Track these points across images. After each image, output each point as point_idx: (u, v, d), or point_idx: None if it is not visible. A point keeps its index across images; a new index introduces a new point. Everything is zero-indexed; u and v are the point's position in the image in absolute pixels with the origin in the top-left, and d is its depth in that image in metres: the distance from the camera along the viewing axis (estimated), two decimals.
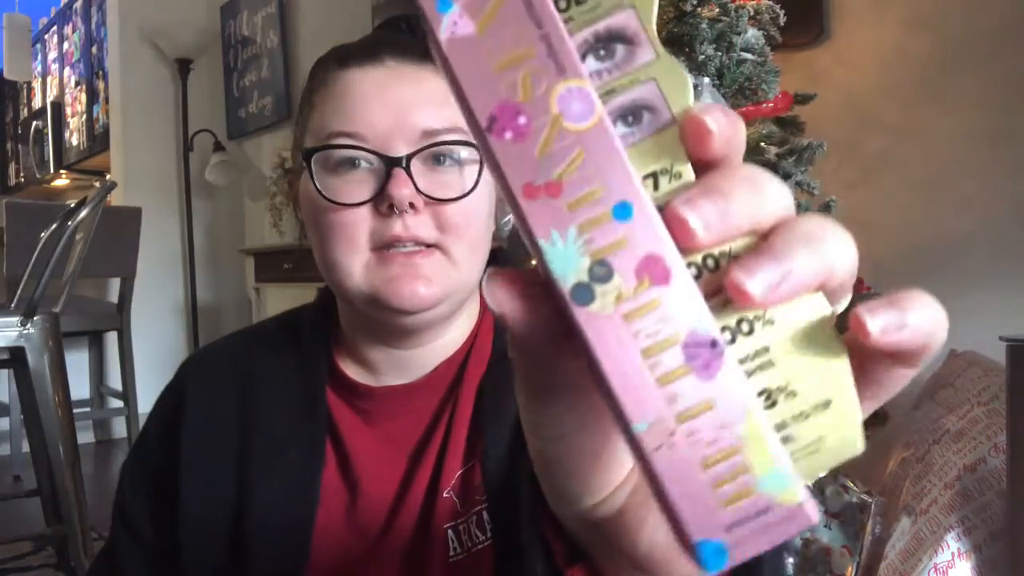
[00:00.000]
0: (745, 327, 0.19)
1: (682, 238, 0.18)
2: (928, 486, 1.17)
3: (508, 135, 0.18)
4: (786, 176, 1.42)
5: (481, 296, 0.67)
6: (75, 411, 1.88)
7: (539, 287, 0.19)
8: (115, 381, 3.49)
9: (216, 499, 0.61)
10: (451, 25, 0.18)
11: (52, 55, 5.21)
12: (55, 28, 5.12)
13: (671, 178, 0.19)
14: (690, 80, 0.20)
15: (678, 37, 1.41)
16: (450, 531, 0.59)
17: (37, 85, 5.52)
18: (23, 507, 2.34)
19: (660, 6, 1.45)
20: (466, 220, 0.56)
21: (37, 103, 5.55)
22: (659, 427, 0.18)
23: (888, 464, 1.37)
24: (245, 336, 0.71)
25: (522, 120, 0.18)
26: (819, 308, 0.20)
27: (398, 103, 0.55)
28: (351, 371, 0.63)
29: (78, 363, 3.50)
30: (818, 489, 1.33)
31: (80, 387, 3.50)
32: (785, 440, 0.19)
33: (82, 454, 1.85)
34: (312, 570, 0.58)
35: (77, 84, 4.75)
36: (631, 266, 0.18)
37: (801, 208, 1.42)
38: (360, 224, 0.55)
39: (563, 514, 0.26)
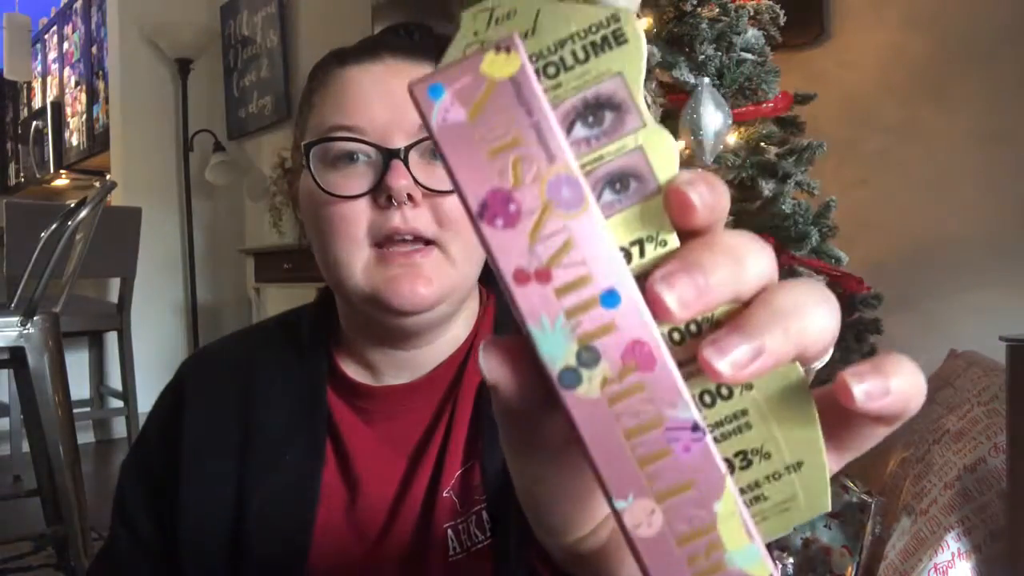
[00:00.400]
0: (725, 391, 0.20)
1: (661, 315, 0.18)
2: (928, 486, 1.17)
3: (499, 222, 0.18)
4: (786, 176, 1.42)
5: (480, 295, 0.67)
6: (75, 411, 1.88)
7: (533, 358, 0.19)
8: (115, 381, 3.49)
9: (216, 498, 0.61)
10: (443, 112, 0.18)
11: (52, 55, 5.21)
12: (55, 28, 5.12)
13: (656, 245, 0.20)
14: (676, 146, 0.20)
15: (678, 37, 1.41)
16: (450, 531, 0.59)
17: (37, 85, 5.52)
18: (23, 507, 2.34)
19: (660, 6, 1.45)
20: (463, 215, 0.56)
21: (37, 103, 5.55)
22: (640, 504, 0.18)
23: (888, 464, 1.37)
24: (245, 336, 0.71)
25: (512, 207, 0.18)
26: (795, 375, 0.20)
27: (396, 97, 0.56)
28: (351, 371, 0.63)
29: (78, 363, 3.50)
30: None
31: (80, 387, 3.50)
32: (759, 499, 0.20)
33: (82, 454, 1.85)
34: (312, 569, 0.58)
35: (77, 84, 4.75)
36: (617, 351, 0.18)
37: (801, 208, 1.42)
38: (359, 217, 0.55)
39: (548, 544, 0.27)
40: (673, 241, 0.20)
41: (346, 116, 0.56)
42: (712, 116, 1.30)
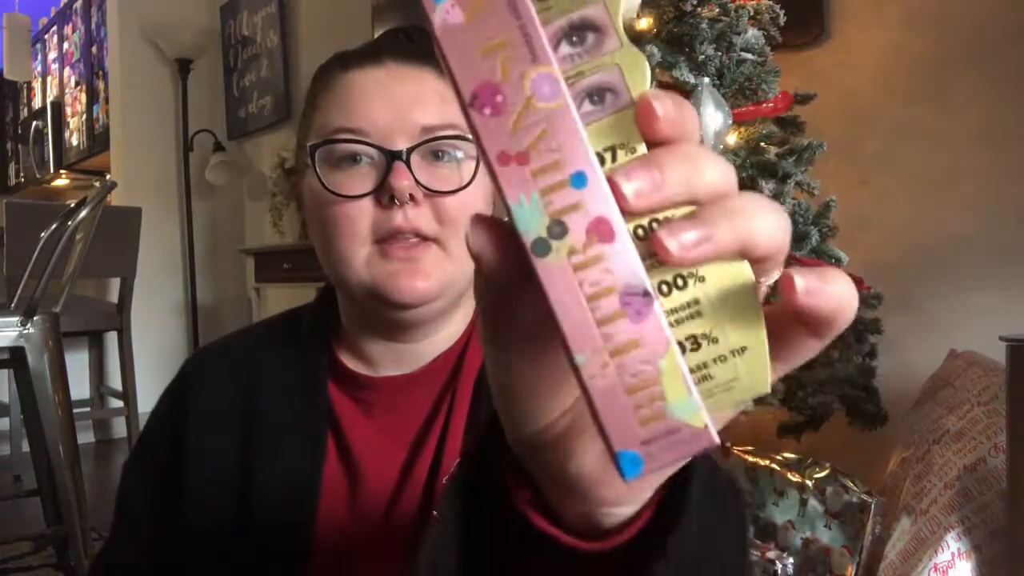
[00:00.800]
0: (680, 282, 0.23)
1: (619, 202, 0.21)
2: (928, 486, 1.17)
3: (487, 111, 0.21)
4: (786, 176, 1.42)
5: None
6: (75, 411, 1.88)
7: (512, 236, 0.22)
8: (115, 381, 3.49)
9: (220, 491, 0.62)
10: (444, 14, 0.21)
11: (52, 55, 5.21)
12: (55, 28, 5.12)
13: (627, 152, 0.23)
14: (648, 66, 0.23)
15: (678, 37, 1.41)
16: None
17: (37, 85, 5.52)
18: (23, 507, 2.34)
19: (660, 6, 1.45)
20: (463, 214, 0.58)
21: (37, 103, 5.54)
22: (595, 359, 0.21)
23: (888, 464, 1.37)
24: (247, 332, 0.72)
25: (499, 98, 0.21)
26: (744, 274, 0.23)
27: (398, 101, 0.58)
28: (351, 363, 0.65)
29: (78, 363, 3.50)
30: (818, 489, 1.33)
31: (80, 387, 3.50)
32: (705, 378, 0.23)
33: (82, 454, 1.85)
34: (314, 559, 0.59)
35: (77, 84, 4.75)
36: (582, 226, 0.21)
37: (800, 208, 1.42)
38: (363, 215, 0.57)
39: (514, 440, 0.30)
40: (642, 149, 0.22)
41: (350, 119, 0.58)
42: (712, 116, 1.30)
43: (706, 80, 1.33)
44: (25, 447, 2.42)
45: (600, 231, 0.21)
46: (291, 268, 2.98)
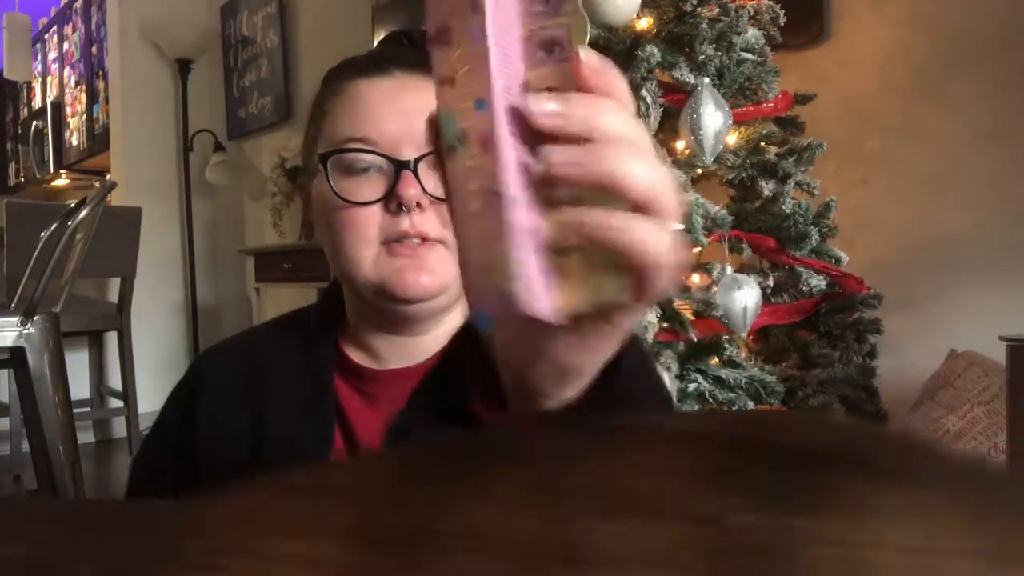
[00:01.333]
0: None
1: (529, 120, 0.27)
2: None
3: (440, 46, 0.28)
4: (786, 176, 1.42)
5: None
6: (75, 411, 1.88)
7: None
8: (115, 381, 3.48)
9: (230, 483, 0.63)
10: None
11: (52, 55, 5.21)
12: (55, 28, 5.12)
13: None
14: (589, 28, 0.28)
15: (678, 37, 1.41)
16: None
17: (37, 85, 5.52)
18: None
19: (660, 6, 1.45)
20: None
21: (37, 103, 5.54)
22: (466, 241, 0.29)
23: None
24: (255, 330, 0.76)
25: (448, 36, 0.28)
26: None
27: (406, 110, 0.60)
28: (356, 357, 0.67)
29: (78, 363, 3.49)
30: None
31: (80, 387, 3.50)
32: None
33: (82, 454, 1.84)
34: None
35: (77, 84, 4.75)
36: (475, 139, 0.28)
37: (801, 208, 1.42)
38: (371, 220, 0.60)
39: (508, 373, 0.36)
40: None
41: (359, 128, 0.60)
42: (712, 116, 1.30)
43: (706, 80, 1.33)
44: (25, 447, 2.42)
45: (485, 144, 0.27)
46: (291, 268, 2.98)
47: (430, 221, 0.60)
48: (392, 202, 0.59)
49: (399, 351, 0.66)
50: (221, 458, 0.65)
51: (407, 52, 0.65)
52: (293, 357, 0.68)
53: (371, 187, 0.60)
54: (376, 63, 0.63)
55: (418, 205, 0.59)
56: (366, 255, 0.60)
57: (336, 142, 0.61)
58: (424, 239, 0.60)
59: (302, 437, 0.64)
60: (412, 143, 0.59)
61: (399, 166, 0.59)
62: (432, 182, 0.60)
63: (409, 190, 0.58)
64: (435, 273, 0.60)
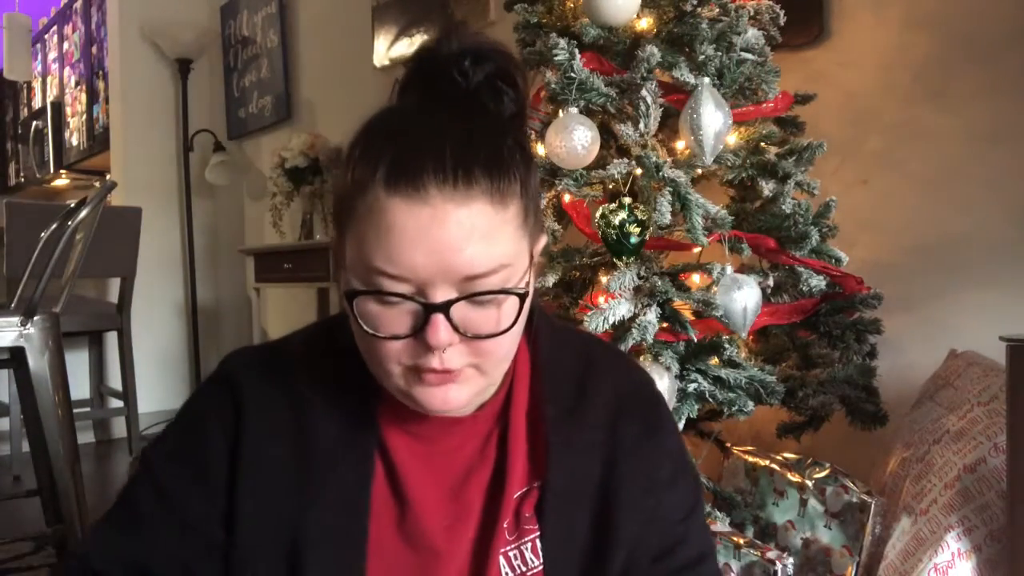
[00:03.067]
0: None
1: None
2: (928, 486, 1.17)
3: None
4: (786, 176, 1.42)
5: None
6: (75, 411, 1.88)
7: None
8: (115, 381, 3.48)
9: (273, 512, 0.63)
10: None
11: (52, 55, 5.21)
12: (55, 28, 5.11)
13: None
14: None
15: (678, 37, 1.41)
16: (502, 557, 0.63)
17: (37, 85, 5.52)
18: (23, 507, 2.34)
19: (660, 6, 1.45)
20: (500, 347, 0.59)
21: (37, 103, 5.54)
22: None
23: (888, 464, 1.37)
24: (288, 348, 0.71)
25: None
26: None
27: (440, 247, 0.54)
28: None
29: (78, 363, 3.49)
30: (818, 489, 1.33)
31: (80, 387, 3.50)
32: None
33: (82, 454, 1.84)
34: None
35: (77, 84, 4.74)
36: None
37: (801, 208, 1.41)
38: (400, 348, 0.57)
39: None
40: None
41: (390, 264, 0.55)
42: (712, 116, 1.30)
43: (706, 80, 1.33)
44: (25, 447, 2.42)
45: None
46: (291, 268, 2.98)
47: (459, 355, 0.58)
48: (421, 342, 0.57)
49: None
50: (263, 489, 0.63)
51: (447, 165, 0.55)
52: (337, 384, 0.66)
53: (400, 320, 0.57)
54: (413, 180, 0.54)
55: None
56: (393, 371, 0.59)
57: (363, 270, 0.56)
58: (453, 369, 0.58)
59: (344, 470, 0.63)
60: (445, 280, 0.55)
61: (430, 310, 0.55)
62: (463, 319, 0.57)
63: (440, 335, 0.55)
64: (463, 390, 0.59)
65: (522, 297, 0.58)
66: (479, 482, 0.64)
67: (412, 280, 0.55)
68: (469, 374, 0.59)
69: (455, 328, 0.56)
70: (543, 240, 0.65)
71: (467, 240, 0.55)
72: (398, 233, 0.54)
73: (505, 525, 0.63)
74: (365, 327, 0.57)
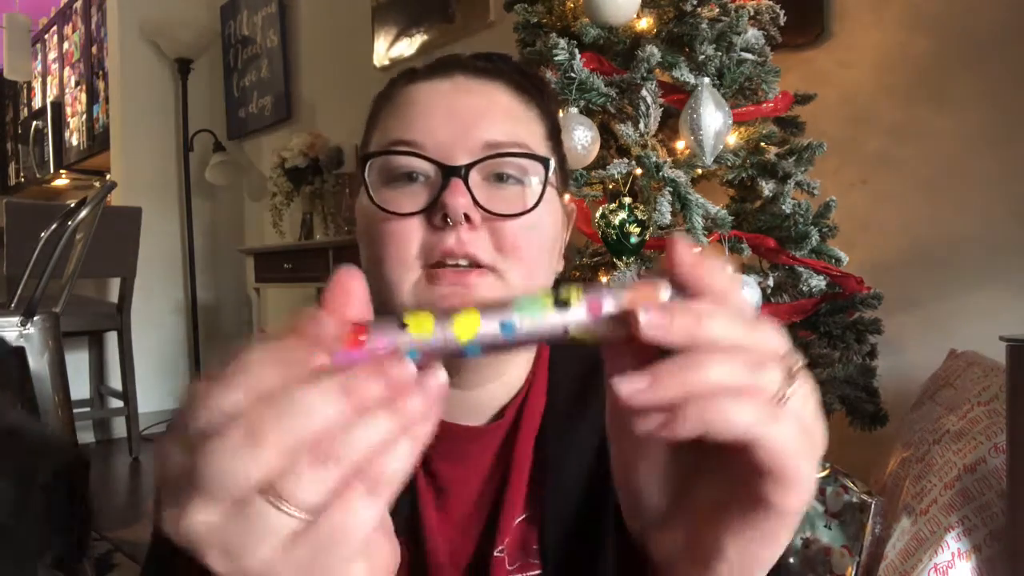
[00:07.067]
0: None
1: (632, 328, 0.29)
2: (928, 486, 1.17)
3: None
4: (786, 176, 1.42)
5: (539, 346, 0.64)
6: (75, 411, 1.88)
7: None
8: (115, 381, 3.49)
9: None
10: None
11: (52, 55, 5.21)
12: (55, 28, 5.11)
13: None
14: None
15: (678, 37, 1.41)
16: None
17: (37, 85, 5.52)
18: None
19: (660, 6, 1.45)
20: (526, 242, 0.53)
21: (37, 103, 5.54)
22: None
23: (888, 464, 1.37)
24: None
25: None
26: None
27: (462, 114, 0.53)
28: None
29: (78, 363, 3.50)
30: (818, 489, 1.33)
31: (80, 387, 3.50)
32: None
33: None
34: None
35: (77, 84, 4.74)
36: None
37: (801, 208, 1.41)
38: (412, 236, 0.52)
39: (632, 529, 0.37)
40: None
41: (407, 131, 0.53)
42: (712, 116, 1.30)
43: (706, 80, 1.33)
44: None
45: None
46: (291, 268, 2.98)
47: (481, 241, 0.51)
48: (437, 214, 0.51)
49: (458, 405, 0.58)
50: None
51: (476, 60, 0.58)
52: None
53: (415, 199, 0.52)
54: (437, 67, 0.56)
55: (467, 219, 0.50)
56: (405, 280, 0.52)
57: (382, 145, 0.54)
58: (474, 264, 0.51)
59: None
60: (467, 150, 0.52)
61: (448, 172, 0.51)
62: (485, 195, 0.51)
63: (458, 199, 0.50)
64: (480, 292, 0.51)
65: (546, 170, 0.53)
66: (482, 506, 0.60)
67: (430, 147, 0.52)
68: (490, 282, 0.52)
69: (474, 200, 0.51)
70: (568, 199, 0.63)
71: (488, 109, 0.54)
72: (419, 104, 0.54)
73: (504, 550, 0.59)
74: (380, 206, 0.52)
